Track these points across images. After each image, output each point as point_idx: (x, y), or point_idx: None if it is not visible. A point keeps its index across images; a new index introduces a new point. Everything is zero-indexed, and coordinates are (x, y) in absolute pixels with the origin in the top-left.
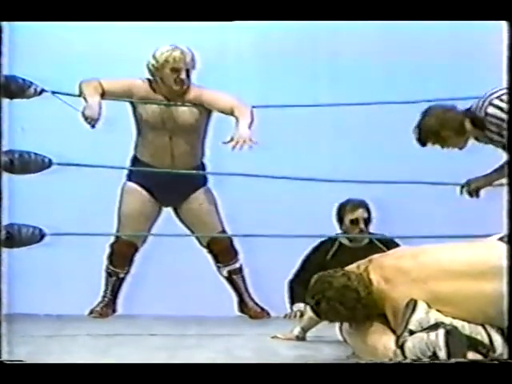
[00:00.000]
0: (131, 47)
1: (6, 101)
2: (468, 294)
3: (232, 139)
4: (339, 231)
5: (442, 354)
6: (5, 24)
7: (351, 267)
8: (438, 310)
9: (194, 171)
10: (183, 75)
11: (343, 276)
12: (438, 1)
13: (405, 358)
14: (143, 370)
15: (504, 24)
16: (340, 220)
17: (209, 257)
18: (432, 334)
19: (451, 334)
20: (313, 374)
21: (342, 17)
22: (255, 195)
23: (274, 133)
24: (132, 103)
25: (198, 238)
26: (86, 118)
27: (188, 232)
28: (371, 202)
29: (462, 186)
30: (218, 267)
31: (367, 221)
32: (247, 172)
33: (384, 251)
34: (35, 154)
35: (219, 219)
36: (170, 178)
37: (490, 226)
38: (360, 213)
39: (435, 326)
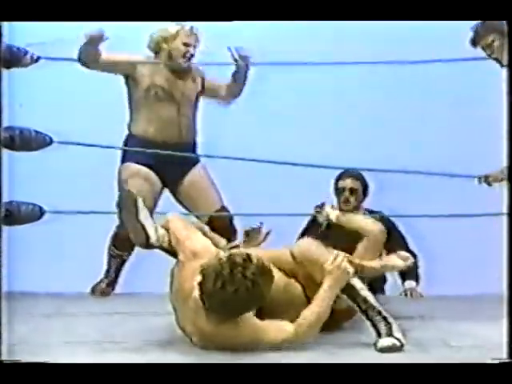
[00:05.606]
0: (129, 47)
1: (5, 75)
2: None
3: None
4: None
5: None
6: (5, 24)
7: None
8: None
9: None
10: (193, 50)
11: None
12: (438, 1)
13: None
14: (142, 369)
15: (504, 24)
16: (336, 189)
17: None
18: None
19: None
20: (313, 373)
21: (341, 17)
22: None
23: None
24: (128, 78)
25: (197, 217)
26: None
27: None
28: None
29: (480, 178)
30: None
31: (356, 192)
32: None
33: None
34: (36, 131)
35: (218, 194)
36: (167, 154)
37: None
38: (348, 182)
39: None
